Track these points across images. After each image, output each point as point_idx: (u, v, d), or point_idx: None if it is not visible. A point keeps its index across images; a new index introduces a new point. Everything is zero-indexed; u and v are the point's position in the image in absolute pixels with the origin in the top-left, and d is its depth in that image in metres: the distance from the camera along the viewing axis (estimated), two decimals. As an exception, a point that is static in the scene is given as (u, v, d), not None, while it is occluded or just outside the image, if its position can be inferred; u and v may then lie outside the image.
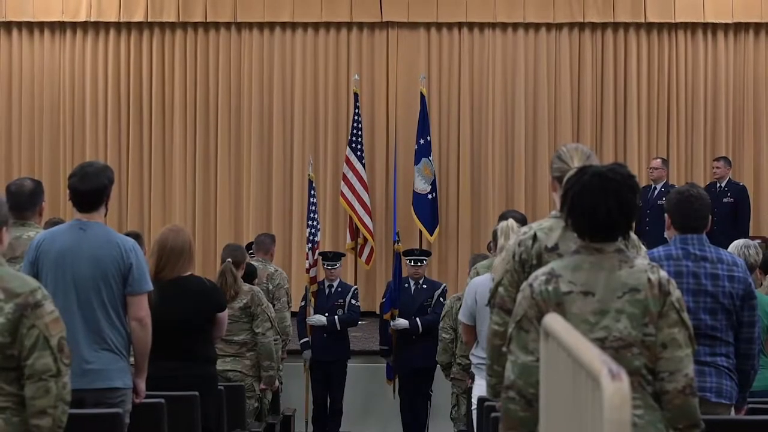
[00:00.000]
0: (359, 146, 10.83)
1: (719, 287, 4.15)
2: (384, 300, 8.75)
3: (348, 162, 10.85)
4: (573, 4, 11.64)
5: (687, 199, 4.23)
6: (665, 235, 4.39)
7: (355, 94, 11.01)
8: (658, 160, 10.70)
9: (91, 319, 4.27)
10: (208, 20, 11.69)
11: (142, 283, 4.34)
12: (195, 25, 11.77)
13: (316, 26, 11.77)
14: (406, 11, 11.66)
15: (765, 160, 11.80)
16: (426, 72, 11.49)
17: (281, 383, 7.70)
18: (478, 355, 5.40)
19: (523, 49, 11.76)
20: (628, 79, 11.77)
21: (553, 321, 2.39)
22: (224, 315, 5.34)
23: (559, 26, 11.76)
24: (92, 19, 11.65)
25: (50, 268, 4.29)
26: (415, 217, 11.03)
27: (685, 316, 2.90)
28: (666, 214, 4.32)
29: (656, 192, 10.25)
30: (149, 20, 11.66)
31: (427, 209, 11.06)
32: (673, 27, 11.78)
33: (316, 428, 8.64)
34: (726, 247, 4.95)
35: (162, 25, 11.75)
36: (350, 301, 8.52)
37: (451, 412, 7.62)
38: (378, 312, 9.20)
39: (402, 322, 8.38)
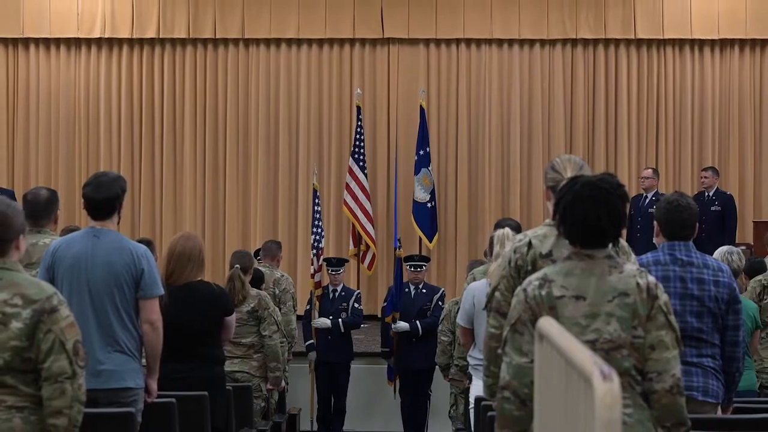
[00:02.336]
0: (362, 157, 10.93)
1: (705, 291, 4.18)
2: (385, 304, 8.87)
3: (351, 172, 10.96)
4: (566, 21, 11.75)
5: (676, 209, 4.26)
6: (654, 242, 4.46)
7: (358, 107, 11.12)
8: (649, 170, 10.76)
9: (105, 322, 4.33)
10: (217, 36, 11.80)
11: (154, 288, 4.40)
12: (204, 41, 11.88)
13: (320, 42, 11.86)
14: (406, 28, 11.76)
15: (750, 169, 11.88)
16: (425, 86, 11.61)
17: (287, 384, 7.65)
18: (475, 356, 5.47)
19: (518, 64, 11.86)
20: (619, 92, 11.87)
21: (547, 324, 2.41)
22: (232, 318, 5.41)
23: (553, 42, 11.86)
24: (106, 36, 11.77)
25: (65, 273, 4.36)
26: (415, 224, 11.13)
27: (672, 318, 2.94)
28: (655, 222, 4.36)
29: (647, 200, 10.32)
30: (161, 36, 11.79)
31: (427, 217, 11.16)
32: (662, 43, 11.89)
33: (320, 427, 8.74)
34: (713, 254, 5.06)
35: (173, 41, 11.87)
36: (353, 304, 8.65)
37: (450, 411, 7.68)
38: (380, 315, 9.24)
39: (402, 325, 8.49)
